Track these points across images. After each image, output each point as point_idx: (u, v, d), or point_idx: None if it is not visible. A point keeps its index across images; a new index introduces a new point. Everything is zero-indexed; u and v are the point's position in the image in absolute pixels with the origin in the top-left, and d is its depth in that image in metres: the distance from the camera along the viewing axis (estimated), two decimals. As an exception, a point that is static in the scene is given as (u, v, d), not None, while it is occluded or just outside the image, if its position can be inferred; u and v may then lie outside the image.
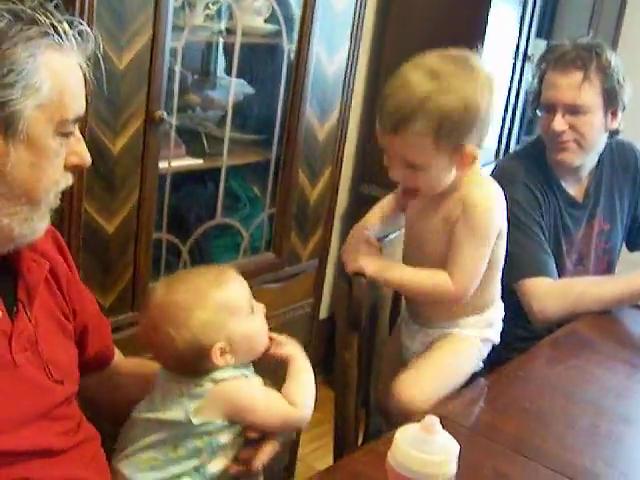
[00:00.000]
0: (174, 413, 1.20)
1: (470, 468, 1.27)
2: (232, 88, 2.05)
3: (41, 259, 1.20)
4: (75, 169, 1.13)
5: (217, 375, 1.21)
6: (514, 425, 1.42)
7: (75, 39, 1.06)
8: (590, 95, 1.98)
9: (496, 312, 1.62)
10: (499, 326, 1.63)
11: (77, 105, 1.07)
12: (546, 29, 3.17)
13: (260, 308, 1.29)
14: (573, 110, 1.98)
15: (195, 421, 1.19)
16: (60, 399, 1.17)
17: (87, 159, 1.13)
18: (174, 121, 1.88)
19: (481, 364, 1.62)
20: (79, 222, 1.67)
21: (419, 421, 1.40)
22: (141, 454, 1.23)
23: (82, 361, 1.29)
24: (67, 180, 1.12)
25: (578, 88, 1.97)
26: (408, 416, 1.44)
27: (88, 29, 1.08)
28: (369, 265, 1.51)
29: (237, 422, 1.22)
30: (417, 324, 1.63)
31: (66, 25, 1.04)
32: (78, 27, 1.07)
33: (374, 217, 1.67)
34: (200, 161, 2.03)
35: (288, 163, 2.18)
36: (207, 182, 2.10)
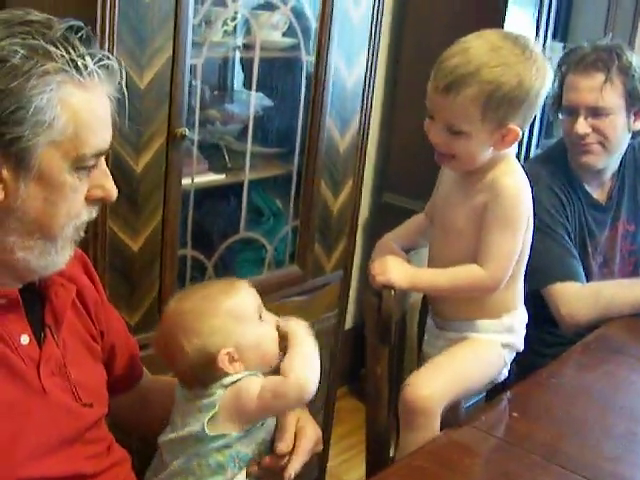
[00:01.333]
0: (192, 428, 1.20)
1: (506, 479, 1.27)
2: (252, 102, 2.05)
3: (68, 283, 1.19)
4: (99, 202, 1.11)
5: (226, 380, 1.21)
6: (548, 434, 1.41)
7: (97, 73, 1.03)
8: (612, 97, 1.96)
9: (517, 317, 1.58)
10: (522, 332, 1.60)
11: (98, 139, 1.05)
12: (562, 31, 3.16)
13: (271, 318, 1.28)
14: (595, 112, 1.97)
15: (209, 432, 1.18)
16: (90, 422, 1.17)
17: (112, 193, 1.11)
18: (196, 137, 1.89)
19: (506, 372, 1.60)
20: (104, 242, 1.68)
21: (424, 422, 1.41)
22: (172, 478, 1.23)
23: (110, 381, 1.29)
24: (90, 213, 1.10)
25: (600, 90, 1.96)
26: (416, 414, 1.43)
27: (114, 62, 1.07)
28: (397, 276, 1.50)
29: (248, 422, 1.21)
30: (438, 328, 1.61)
31: (88, 59, 1.02)
32: (102, 60, 1.04)
33: (402, 230, 1.67)
34: (222, 176, 2.03)
35: (310, 175, 2.18)
36: (230, 197, 2.10)
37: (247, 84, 2.19)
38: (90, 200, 1.09)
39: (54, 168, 1.02)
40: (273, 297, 2.03)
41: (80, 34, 1.03)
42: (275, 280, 2.15)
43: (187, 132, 1.76)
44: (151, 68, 1.66)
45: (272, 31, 2.04)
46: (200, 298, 1.24)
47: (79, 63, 1.01)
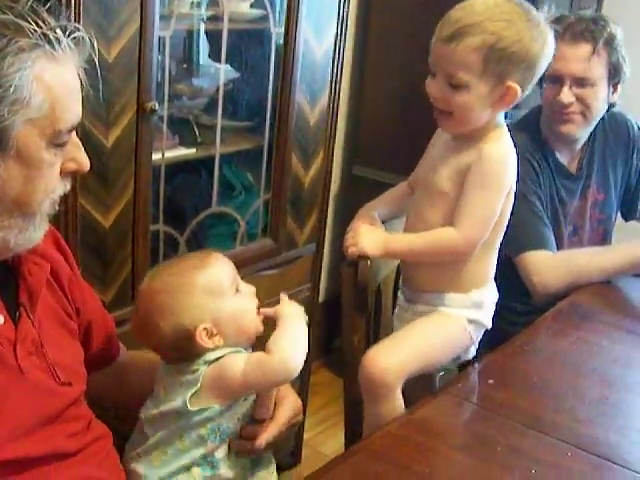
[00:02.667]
0: (174, 402, 1.21)
1: (484, 445, 1.29)
2: (221, 75, 2.02)
3: (42, 261, 1.18)
4: (73, 175, 1.11)
5: (209, 356, 1.20)
6: (524, 400, 1.43)
7: (69, 45, 1.02)
8: (598, 68, 1.98)
9: (486, 294, 1.57)
10: (490, 309, 1.58)
11: (72, 114, 1.04)
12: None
13: (249, 289, 1.28)
14: (581, 82, 1.99)
15: (191, 407, 1.19)
16: (69, 401, 1.16)
17: (85, 165, 1.11)
18: (165, 111, 1.86)
19: (473, 350, 1.60)
20: (75, 218, 1.66)
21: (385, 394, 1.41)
22: (152, 451, 1.23)
23: (88, 358, 1.28)
24: (64, 186, 1.09)
25: (588, 60, 1.97)
26: (375, 386, 1.43)
27: (84, 33, 1.04)
28: (370, 245, 1.49)
29: (231, 398, 1.21)
30: (407, 301, 1.61)
31: (59, 32, 1.01)
32: (73, 32, 1.03)
33: (383, 199, 1.66)
34: (193, 150, 2.01)
35: (281, 148, 2.16)
36: (201, 171, 2.08)
37: (214, 57, 2.16)
38: (64, 173, 1.08)
39: (32, 146, 1.00)
40: (246, 271, 2.02)
41: (47, 5, 1.01)
42: (248, 254, 2.14)
43: (157, 106, 1.74)
44: (119, 41, 1.63)
45: (240, 2, 2.02)
46: (172, 274, 1.23)
47: (51, 37, 0.99)
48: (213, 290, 1.22)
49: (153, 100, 1.73)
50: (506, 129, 1.51)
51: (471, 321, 1.54)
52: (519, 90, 1.42)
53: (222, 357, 1.20)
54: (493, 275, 1.59)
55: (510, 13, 1.40)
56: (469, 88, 1.41)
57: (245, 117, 2.20)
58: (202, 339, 1.20)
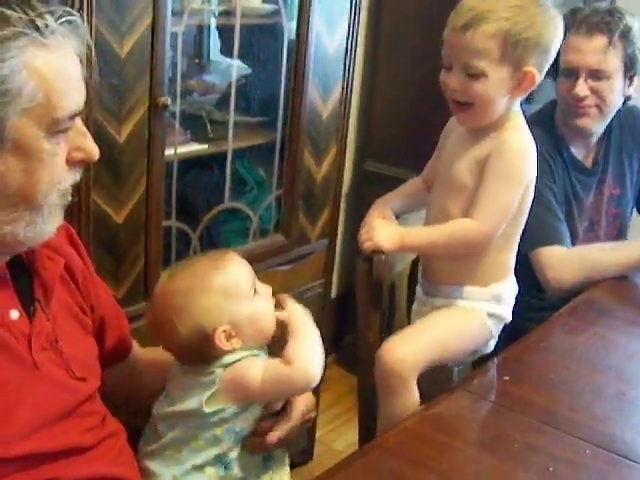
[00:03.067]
0: (190, 403, 1.19)
1: (501, 442, 1.28)
2: (234, 71, 2.02)
3: (56, 255, 1.17)
4: (81, 164, 1.08)
5: (226, 359, 1.19)
6: (541, 397, 1.42)
7: (60, 31, 0.99)
8: (614, 60, 1.96)
9: (506, 288, 1.56)
10: (510, 303, 1.58)
11: (71, 101, 1.02)
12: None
13: (266, 290, 1.26)
14: (596, 75, 1.97)
15: (207, 409, 1.18)
16: (84, 396, 1.16)
17: (93, 153, 1.08)
18: (177, 107, 1.86)
19: (492, 344, 1.59)
20: (88, 213, 1.65)
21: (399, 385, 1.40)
22: (166, 450, 1.22)
23: (101, 354, 1.28)
24: (73, 176, 1.07)
25: (604, 53, 1.95)
26: (389, 377, 1.42)
27: (77, 17, 1.02)
28: (385, 239, 1.48)
29: (247, 402, 1.20)
30: (425, 294, 1.60)
31: (48, 18, 0.98)
32: (65, 17, 1.00)
33: (398, 193, 1.65)
34: (205, 146, 2.00)
35: (293, 143, 2.15)
36: (213, 167, 2.08)
37: (226, 52, 2.16)
38: (72, 163, 1.06)
39: (29, 137, 0.98)
40: (259, 267, 1.99)
41: None
42: (260, 250, 2.14)
43: (169, 101, 1.73)
44: (131, 36, 1.62)
45: (252, -4, 2.01)
46: (190, 276, 1.21)
47: (39, 23, 0.97)
48: (231, 292, 1.20)
49: (165, 95, 1.72)
50: (522, 117, 1.50)
51: (491, 315, 1.53)
52: (537, 74, 1.41)
53: (239, 360, 1.19)
54: (513, 268, 1.58)
55: (521, 0, 1.41)
56: (487, 76, 1.40)
57: (257, 112, 2.19)
58: (221, 342, 1.18)
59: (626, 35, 1.97)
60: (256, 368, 1.18)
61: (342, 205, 2.56)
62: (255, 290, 1.23)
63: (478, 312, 1.52)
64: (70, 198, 1.09)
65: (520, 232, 1.54)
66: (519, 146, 1.45)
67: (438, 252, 1.53)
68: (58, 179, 1.04)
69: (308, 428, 1.36)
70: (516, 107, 1.49)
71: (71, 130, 1.04)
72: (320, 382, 2.64)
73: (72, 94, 1.02)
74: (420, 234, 1.51)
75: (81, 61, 1.04)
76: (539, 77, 1.43)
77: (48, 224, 1.07)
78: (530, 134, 1.50)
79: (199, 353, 1.19)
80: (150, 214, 1.79)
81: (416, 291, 1.66)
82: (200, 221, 2.02)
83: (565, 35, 1.99)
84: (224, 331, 1.18)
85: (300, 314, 1.26)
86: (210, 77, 2.26)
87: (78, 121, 1.06)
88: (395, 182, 1.73)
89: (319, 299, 2.42)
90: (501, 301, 1.55)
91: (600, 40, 1.96)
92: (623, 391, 1.46)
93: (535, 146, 1.48)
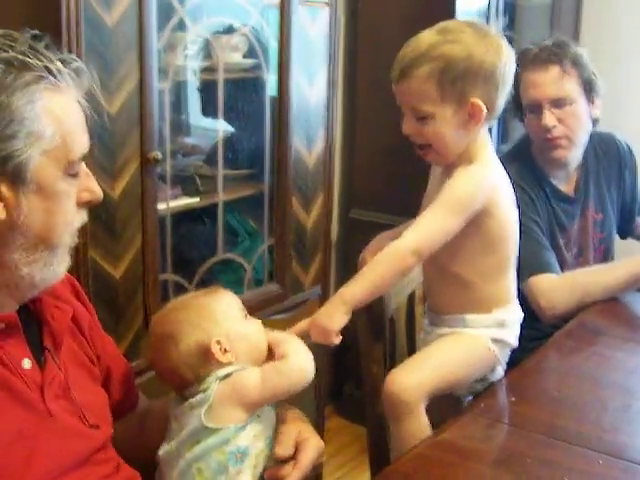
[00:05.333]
0: (189, 426, 1.20)
1: (514, 459, 1.28)
2: (220, 131, 2.07)
3: (64, 305, 1.19)
4: (87, 205, 1.12)
5: (220, 372, 1.21)
6: (549, 414, 1.43)
7: (70, 76, 1.05)
8: (572, 86, 2.03)
9: (510, 313, 1.58)
10: (515, 328, 1.59)
11: (81, 144, 1.06)
12: (508, 27, 3.19)
13: (257, 321, 1.31)
14: (558, 103, 2.03)
15: (208, 423, 1.18)
16: (98, 444, 1.16)
17: (99, 194, 1.13)
18: (168, 161, 1.90)
19: (501, 371, 1.59)
20: (87, 271, 1.67)
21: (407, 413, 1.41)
22: None
23: (110, 405, 1.28)
24: (81, 218, 1.11)
25: (560, 80, 2.02)
26: (396, 406, 1.43)
27: (82, 63, 1.07)
28: (332, 321, 1.41)
29: (245, 408, 1.20)
30: (431, 324, 1.62)
31: (59, 64, 1.03)
32: (71, 63, 1.05)
33: (398, 229, 1.68)
34: (196, 199, 2.04)
35: (281, 193, 2.20)
36: (205, 220, 2.11)
37: (209, 110, 2.20)
38: (80, 204, 1.09)
39: (49, 178, 1.02)
40: (255, 317, 2.03)
41: (44, 42, 1.04)
42: (256, 299, 2.16)
43: (160, 156, 1.77)
44: (120, 93, 1.67)
45: (232, 53, 2.07)
46: (187, 299, 1.29)
47: (53, 69, 1.02)
48: (224, 312, 1.26)
49: (156, 150, 1.76)
50: (491, 149, 1.52)
51: (495, 340, 1.53)
52: (483, 105, 1.42)
53: (234, 372, 1.22)
54: (515, 295, 1.59)
55: (454, 33, 1.43)
56: (435, 116, 1.43)
57: (244, 165, 2.24)
58: (216, 351, 1.21)
59: (577, 61, 2.05)
60: (252, 371, 1.22)
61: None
62: (246, 317, 1.29)
63: (481, 338, 1.53)
64: (77, 240, 1.12)
65: (514, 259, 1.57)
66: (467, 176, 1.45)
67: (384, 288, 1.48)
68: (71, 220, 1.08)
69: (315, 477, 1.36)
70: (483, 139, 1.49)
71: (80, 172, 1.08)
72: (324, 431, 2.62)
73: (82, 136, 1.07)
74: (356, 284, 1.43)
75: (81, 105, 1.08)
76: (492, 106, 1.44)
77: (61, 265, 1.09)
78: (493, 166, 1.51)
79: (196, 369, 1.22)
80: (147, 268, 1.82)
81: (423, 321, 1.68)
82: (196, 273, 2.04)
83: (521, 75, 2.08)
84: (218, 341, 1.22)
85: (289, 336, 1.31)
86: (192, 139, 2.30)
87: (83, 164, 1.09)
88: (381, 228, 1.76)
89: (316, 348, 2.42)
90: (504, 326, 1.56)
91: (554, 70, 2.04)
92: (628, 404, 1.48)
93: (486, 175, 1.48)
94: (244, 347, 1.24)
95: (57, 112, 1.02)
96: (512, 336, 1.58)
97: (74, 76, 1.05)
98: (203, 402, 1.20)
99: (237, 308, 1.29)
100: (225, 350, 1.22)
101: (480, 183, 1.46)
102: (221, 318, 1.25)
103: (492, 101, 1.44)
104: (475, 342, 1.54)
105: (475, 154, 1.48)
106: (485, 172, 1.48)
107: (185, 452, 1.21)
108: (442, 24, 1.46)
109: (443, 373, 1.48)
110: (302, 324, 1.42)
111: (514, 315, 1.59)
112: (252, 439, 1.21)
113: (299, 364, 1.22)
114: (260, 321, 1.32)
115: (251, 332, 1.27)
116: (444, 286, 1.54)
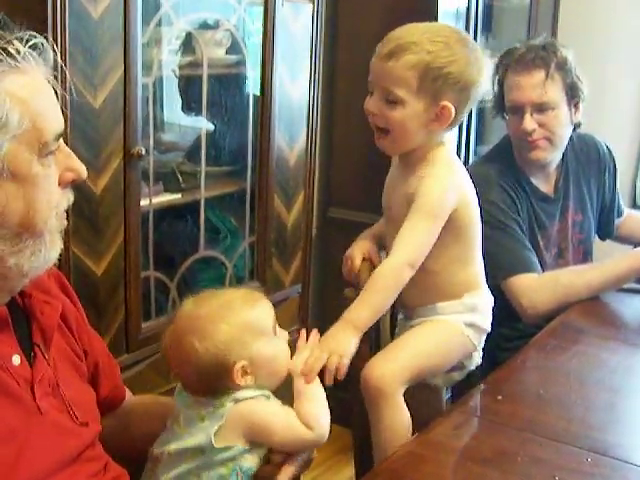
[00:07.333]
0: (197, 439, 1.18)
1: (504, 457, 1.29)
2: (203, 122, 2.04)
3: (53, 300, 1.17)
4: (72, 184, 1.08)
5: (239, 395, 1.19)
6: (536, 412, 1.44)
7: (32, 55, 1.00)
8: (554, 91, 2.04)
9: (480, 297, 1.59)
10: (487, 312, 1.60)
11: (54, 123, 1.02)
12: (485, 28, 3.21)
13: (284, 334, 1.28)
14: (540, 108, 2.04)
15: (217, 444, 1.16)
16: (87, 441, 1.14)
17: (82, 172, 1.09)
18: (151, 156, 1.87)
19: (478, 358, 1.61)
20: (68, 266, 1.64)
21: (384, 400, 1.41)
22: None
23: (97, 401, 1.26)
24: (67, 198, 1.08)
25: (542, 86, 2.03)
26: (373, 395, 1.45)
27: (43, 40, 1.03)
28: (345, 347, 1.40)
29: (257, 443, 1.20)
30: (405, 319, 1.64)
31: (17, 43, 0.99)
32: (31, 41, 1.00)
33: (376, 226, 1.68)
34: (178, 196, 2.02)
35: (263, 190, 2.18)
36: (186, 217, 2.08)
37: (192, 106, 2.18)
38: (64, 185, 1.06)
39: (23, 163, 0.98)
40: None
41: (1, 23, 1.00)
42: (237, 297, 2.14)
43: (144, 151, 1.75)
44: (104, 87, 1.65)
45: (216, 49, 2.05)
46: (219, 305, 1.22)
47: (10, 49, 0.98)
48: (256, 329, 1.21)
49: (139, 145, 1.74)
50: (448, 150, 1.54)
51: (468, 324, 1.56)
52: (453, 110, 1.45)
53: (252, 399, 1.19)
54: (484, 281, 1.61)
55: (449, 37, 1.46)
56: (404, 104, 1.45)
57: (226, 162, 2.22)
58: (237, 376, 1.18)
59: (562, 66, 2.05)
60: (271, 414, 1.20)
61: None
62: (275, 331, 1.25)
63: (455, 323, 1.55)
64: (66, 222, 1.09)
65: (479, 244, 1.58)
66: (436, 181, 1.48)
67: (387, 305, 1.49)
68: (55, 202, 1.04)
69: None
70: (440, 140, 1.52)
71: (58, 152, 1.05)
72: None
73: (53, 115, 1.03)
74: (362, 307, 1.45)
75: (49, 82, 1.04)
76: (457, 114, 1.46)
77: (51, 250, 1.06)
78: (453, 166, 1.53)
79: (212, 382, 1.19)
80: (129, 265, 1.79)
81: (398, 317, 1.69)
82: (177, 270, 2.02)
83: (506, 75, 2.10)
84: (243, 366, 1.18)
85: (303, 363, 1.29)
86: (173, 135, 2.27)
87: (62, 143, 1.06)
88: (359, 227, 1.77)
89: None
90: (476, 311, 1.58)
91: (538, 75, 2.04)
92: (614, 402, 1.50)
93: (454, 177, 1.51)
94: (266, 371, 1.22)
95: (21, 95, 0.98)
96: (485, 320, 1.60)
97: (35, 55, 1.01)
98: (214, 420, 1.18)
99: (270, 321, 1.24)
100: (246, 372, 1.19)
101: (448, 185, 1.49)
102: (250, 339, 1.20)
103: (459, 111, 1.48)
104: (449, 327, 1.56)
105: (435, 156, 1.51)
106: (449, 174, 1.51)
107: (187, 458, 1.19)
108: (436, 24, 1.46)
109: (419, 359, 1.51)
110: (312, 361, 1.32)
111: (484, 299, 1.61)
112: (257, 461, 1.21)
113: (321, 437, 1.21)
114: (287, 333, 1.29)
115: (277, 353, 1.24)
116: (413, 279, 1.53)
